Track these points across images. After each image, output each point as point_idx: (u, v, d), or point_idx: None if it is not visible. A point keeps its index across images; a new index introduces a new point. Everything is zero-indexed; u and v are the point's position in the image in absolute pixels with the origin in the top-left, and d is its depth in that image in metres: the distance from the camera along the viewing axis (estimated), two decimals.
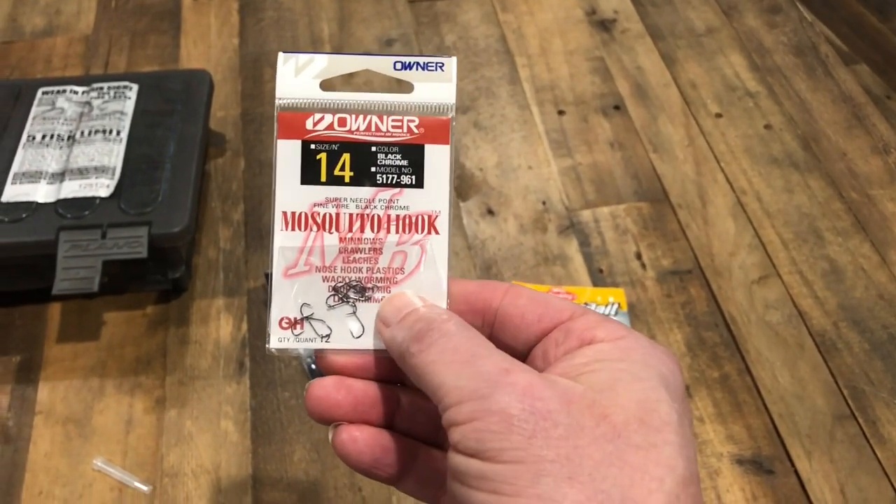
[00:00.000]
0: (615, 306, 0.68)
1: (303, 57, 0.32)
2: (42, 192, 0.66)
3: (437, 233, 0.32)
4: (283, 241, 0.32)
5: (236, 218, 0.75)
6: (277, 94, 0.32)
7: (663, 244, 0.73)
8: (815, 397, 0.63)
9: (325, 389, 0.32)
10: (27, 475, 0.59)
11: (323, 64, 0.32)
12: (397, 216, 0.32)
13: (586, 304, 0.68)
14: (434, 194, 0.32)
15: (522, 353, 0.32)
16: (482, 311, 0.32)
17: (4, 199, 0.65)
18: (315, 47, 0.92)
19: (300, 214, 0.32)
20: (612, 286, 0.70)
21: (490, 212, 0.76)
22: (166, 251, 0.65)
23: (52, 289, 0.61)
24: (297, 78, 0.32)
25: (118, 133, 0.70)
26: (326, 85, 0.33)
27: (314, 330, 0.32)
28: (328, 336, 0.32)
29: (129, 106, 0.72)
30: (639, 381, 0.27)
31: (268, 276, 0.68)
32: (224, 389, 0.64)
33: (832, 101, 0.86)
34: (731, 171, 0.79)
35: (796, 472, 0.59)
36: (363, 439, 0.32)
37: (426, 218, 0.32)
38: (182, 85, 0.75)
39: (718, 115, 0.85)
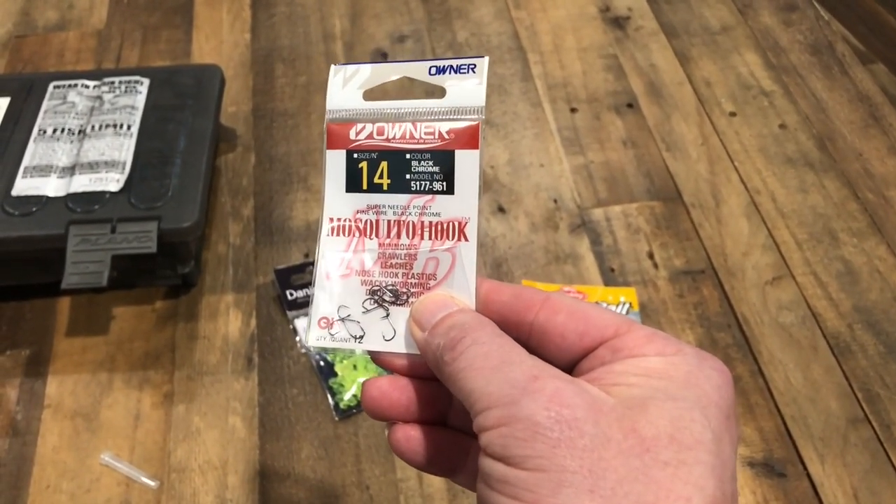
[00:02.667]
0: (626, 306, 0.67)
1: (350, 68, 0.34)
2: (52, 186, 0.66)
3: (466, 240, 0.33)
4: (328, 245, 0.34)
5: (246, 213, 0.75)
6: (328, 107, 0.34)
7: (676, 244, 0.73)
8: (828, 400, 0.63)
9: (381, 389, 0.32)
10: (35, 469, 0.59)
11: (366, 74, 0.34)
12: (430, 223, 0.33)
13: (597, 303, 0.67)
14: (463, 201, 0.33)
15: (565, 370, 0.31)
16: (515, 325, 0.31)
17: (15, 192, 0.65)
18: (327, 43, 0.91)
19: (344, 220, 0.34)
20: (623, 285, 0.69)
21: (501, 209, 0.76)
22: (176, 246, 0.65)
23: (62, 283, 0.61)
24: (344, 89, 0.34)
25: (129, 127, 0.70)
26: (368, 93, 0.34)
27: (348, 331, 0.33)
28: (361, 338, 0.33)
29: (140, 100, 0.72)
30: (673, 401, 0.26)
31: (277, 272, 0.68)
32: (232, 385, 0.64)
33: (848, 100, 0.85)
34: (745, 170, 0.78)
35: (809, 475, 0.59)
36: (417, 438, 0.32)
37: (456, 225, 0.33)
38: (193, 80, 0.75)
39: (733, 114, 0.84)
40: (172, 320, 0.67)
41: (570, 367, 0.31)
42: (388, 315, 0.33)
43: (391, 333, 0.33)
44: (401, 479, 0.59)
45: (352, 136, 0.34)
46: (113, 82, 0.73)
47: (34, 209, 0.64)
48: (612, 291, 0.68)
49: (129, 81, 0.73)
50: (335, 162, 0.34)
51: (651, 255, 0.72)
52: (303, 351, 0.65)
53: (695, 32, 0.92)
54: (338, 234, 0.34)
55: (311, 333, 0.34)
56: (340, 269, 0.33)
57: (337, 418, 0.62)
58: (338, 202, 0.34)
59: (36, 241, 0.63)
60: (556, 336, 0.30)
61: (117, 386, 0.64)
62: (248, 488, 0.58)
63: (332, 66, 0.34)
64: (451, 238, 0.33)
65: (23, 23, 0.94)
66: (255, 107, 0.85)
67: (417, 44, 0.91)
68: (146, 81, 0.74)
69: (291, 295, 0.67)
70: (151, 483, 0.58)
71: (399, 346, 0.33)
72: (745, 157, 0.80)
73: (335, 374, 0.63)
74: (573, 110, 0.84)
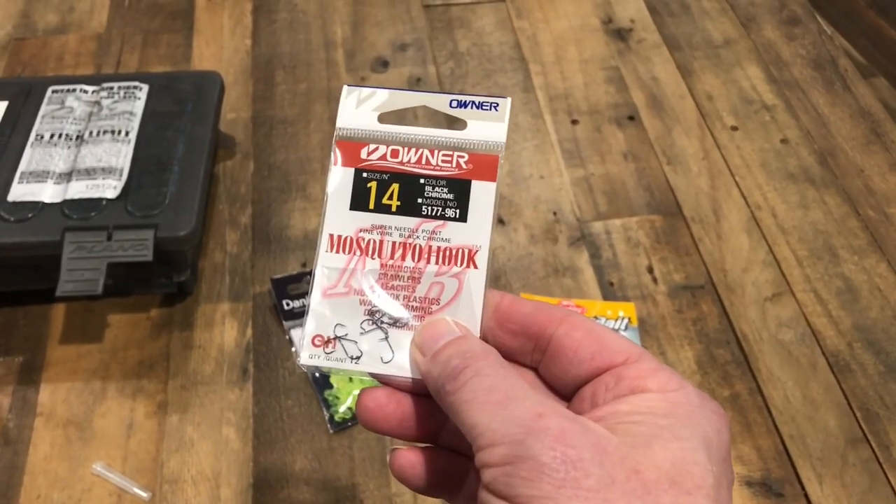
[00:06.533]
0: (625, 321, 0.67)
1: (365, 91, 0.34)
2: (48, 192, 0.65)
3: (475, 267, 0.33)
4: (327, 261, 0.33)
5: (244, 221, 0.74)
6: (338, 124, 0.34)
7: (675, 258, 0.72)
8: (827, 419, 0.62)
9: (377, 401, 0.32)
10: (26, 478, 0.59)
11: (383, 98, 0.34)
12: (438, 248, 0.33)
13: (596, 317, 0.67)
14: (476, 229, 0.33)
15: (571, 389, 0.31)
16: (535, 335, 0.32)
17: (11, 198, 0.65)
18: (328, 51, 0.91)
19: (346, 238, 0.33)
20: (622, 300, 0.69)
21: (500, 221, 0.75)
22: (172, 254, 0.64)
23: (56, 290, 0.60)
24: (358, 110, 0.34)
25: (127, 134, 0.69)
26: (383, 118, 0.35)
27: (345, 351, 0.33)
28: (358, 358, 0.33)
29: (139, 106, 0.72)
30: (678, 441, 0.26)
31: (273, 282, 0.67)
32: (227, 395, 0.63)
33: (850, 116, 0.85)
34: (746, 185, 0.78)
35: (806, 495, 0.58)
36: (419, 463, 0.32)
37: (466, 252, 0.33)
38: (192, 86, 0.74)
39: (734, 128, 0.83)
40: (167, 329, 0.67)
41: (577, 387, 0.31)
42: (386, 337, 0.33)
43: (389, 356, 0.32)
44: (395, 494, 0.58)
45: (363, 155, 0.34)
46: (112, 88, 0.73)
47: (30, 215, 0.64)
48: (611, 306, 0.68)
49: (127, 87, 0.73)
50: (341, 179, 0.34)
51: (650, 270, 0.71)
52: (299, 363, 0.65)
53: (697, 45, 0.92)
54: (337, 251, 0.33)
55: (303, 351, 0.33)
56: (339, 287, 0.33)
57: (332, 431, 0.61)
58: (340, 218, 0.33)
59: (31, 248, 0.63)
60: (570, 350, 0.31)
61: (111, 395, 0.63)
62: (241, 500, 0.58)
63: (345, 87, 0.34)
64: (459, 264, 0.33)
65: (22, 25, 0.94)
66: (255, 114, 0.84)
67: (419, 52, 0.91)
68: (145, 87, 0.73)
69: (288, 305, 0.67)
70: (143, 494, 0.58)
71: (397, 369, 0.32)
72: (746, 172, 0.79)
73: (330, 386, 0.63)
74: (574, 122, 0.84)
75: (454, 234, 0.33)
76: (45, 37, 0.93)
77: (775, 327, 0.67)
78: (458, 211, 0.33)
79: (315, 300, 0.33)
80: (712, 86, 0.88)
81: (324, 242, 0.33)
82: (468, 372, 0.28)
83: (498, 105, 0.34)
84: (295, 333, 0.66)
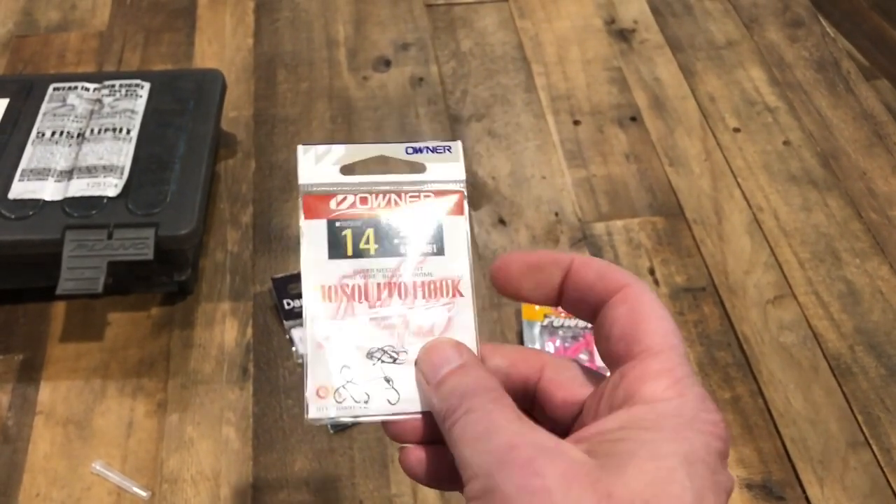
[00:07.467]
0: None
1: (321, 148, 0.35)
2: (49, 190, 0.65)
3: (461, 295, 0.34)
4: (316, 312, 0.33)
5: (245, 220, 0.74)
6: (301, 181, 0.34)
7: (677, 260, 0.72)
8: (828, 422, 0.62)
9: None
10: (25, 476, 0.59)
11: (340, 152, 0.35)
12: (423, 282, 0.34)
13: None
14: (455, 261, 0.34)
15: (614, 366, 0.31)
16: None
17: (11, 195, 0.64)
18: (330, 50, 0.91)
19: (329, 287, 0.33)
20: None
21: (502, 221, 0.75)
22: (173, 253, 0.64)
23: (57, 288, 0.60)
24: (318, 165, 0.34)
25: (128, 132, 0.69)
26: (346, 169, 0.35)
27: (352, 398, 0.33)
28: (367, 402, 0.33)
29: (140, 104, 0.72)
30: (654, 461, 0.26)
31: (274, 281, 0.67)
32: (227, 395, 0.63)
33: (853, 118, 0.85)
34: (749, 187, 0.78)
35: (807, 498, 0.58)
36: (427, 459, 0.33)
37: (450, 283, 0.34)
38: (194, 84, 0.74)
39: (737, 130, 0.83)
40: (168, 328, 0.67)
41: (620, 364, 0.30)
42: (390, 376, 0.33)
43: (395, 395, 0.33)
44: (395, 495, 0.58)
45: (332, 206, 0.34)
46: (113, 85, 0.73)
47: (31, 213, 0.64)
48: None
49: (129, 85, 0.73)
50: (315, 231, 0.34)
51: (652, 272, 0.71)
52: (298, 361, 0.65)
53: (700, 47, 0.92)
54: (323, 300, 0.33)
55: (310, 406, 0.33)
56: (333, 337, 0.33)
57: (332, 431, 0.61)
58: (320, 269, 0.33)
59: (32, 246, 0.63)
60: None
61: (111, 393, 0.63)
62: (241, 500, 0.58)
63: (300, 147, 0.34)
64: (445, 295, 0.34)
65: (24, 22, 0.94)
66: (257, 112, 0.84)
67: (421, 52, 0.90)
68: (147, 85, 0.73)
69: (288, 304, 0.67)
70: (143, 493, 0.58)
71: (404, 407, 0.32)
72: (748, 174, 0.79)
73: None
74: (576, 123, 0.84)
75: (435, 267, 0.34)
76: (46, 34, 0.93)
77: (777, 330, 0.67)
78: (434, 246, 0.34)
79: (311, 353, 0.33)
80: (715, 87, 0.87)
81: (308, 296, 0.33)
82: (460, 410, 0.29)
83: (451, 148, 0.35)
84: (295, 333, 0.66)
